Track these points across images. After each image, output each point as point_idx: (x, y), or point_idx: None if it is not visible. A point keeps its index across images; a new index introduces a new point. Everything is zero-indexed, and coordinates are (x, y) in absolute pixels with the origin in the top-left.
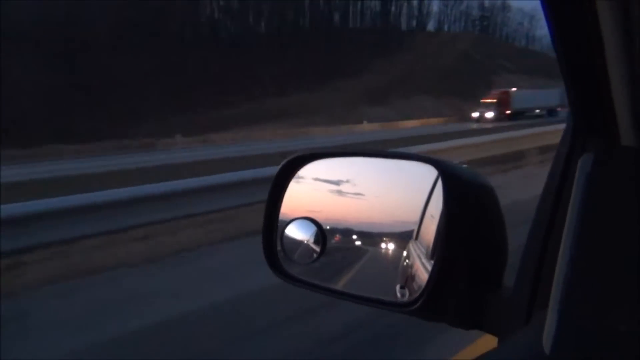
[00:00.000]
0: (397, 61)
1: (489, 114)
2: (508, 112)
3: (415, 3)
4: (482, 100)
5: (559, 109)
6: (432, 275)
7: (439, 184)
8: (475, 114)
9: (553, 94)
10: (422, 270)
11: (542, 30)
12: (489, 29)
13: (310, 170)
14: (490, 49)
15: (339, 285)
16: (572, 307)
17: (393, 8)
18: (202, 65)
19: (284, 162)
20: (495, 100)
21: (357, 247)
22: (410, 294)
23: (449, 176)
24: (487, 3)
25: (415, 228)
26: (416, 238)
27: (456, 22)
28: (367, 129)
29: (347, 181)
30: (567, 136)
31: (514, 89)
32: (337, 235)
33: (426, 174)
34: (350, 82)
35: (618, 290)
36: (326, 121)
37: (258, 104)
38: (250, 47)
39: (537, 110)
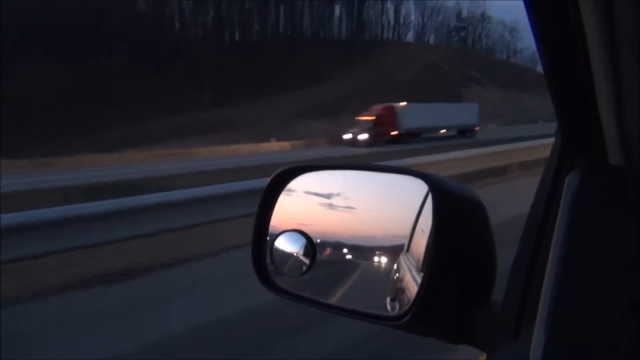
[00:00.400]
0: (358, 73)
1: (363, 136)
2: (394, 132)
3: (391, 13)
4: (357, 118)
5: (476, 128)
6: (421, 288)
7: (429, 198)
8: (347, 135)
9: (467, 110)
10: (413, 283)
11: (523, 42)
12: (467, 40)
13: (301, 183)
14: (465, 61)
15: (329, 298)
16: (559, 323)
17: (367, 19)
18: (125, 79)
19: (274, 174)
20: (373, 119)
21: (348, 259)
22: (400, 307)
23: (438, 190)
24: (465, 13)
25: (406, 241)
26: (407, 251)
27: (434, 34)
28: (275, 148)
29: (338, 194)
30: (555, 154)
31: (403, 103)
32: (328, 249)
33: (417, 188)
34: (297, 95)
35: (604, 307)
36: (248, 137)
37: (186, 118)
38: (191, 58)
39: (443, 131)
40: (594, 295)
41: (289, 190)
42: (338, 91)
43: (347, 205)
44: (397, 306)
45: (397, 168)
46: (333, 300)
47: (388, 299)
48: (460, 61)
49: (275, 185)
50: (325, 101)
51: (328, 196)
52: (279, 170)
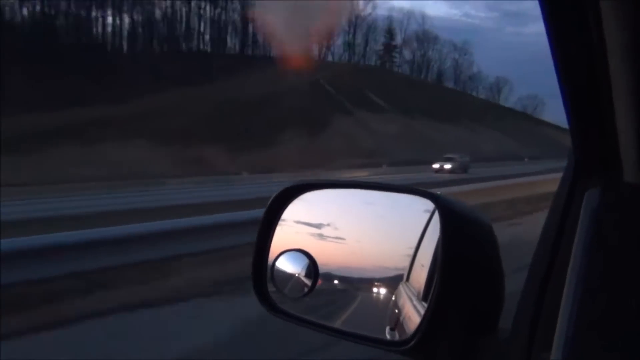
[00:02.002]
0: (194, 92)
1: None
2: None
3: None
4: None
5: None
6: (427, 314)
7: (434, 220)
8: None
9: None
10: (413, 312)
11: (476, 66)
12: (394, 62)
13: (303, 202)
14: (372, 83)
15: (330, 321)
16: (581, 348)
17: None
18: None
19: (276, 192)
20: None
21: (347, 286)
22: (400, 337)
23: (447, 212)
24: (403, 33)
25: (406, 269)
26: (407, 280)
27: (359, 53)
28: None
29: (340, 213)
30: (569, 173)
31: None
32: (328, 272)
33: (420, 209)
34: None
35: (629, 331)
36: None
37: None
38: None
39: None
40: (618, 318)
41: (291, 208)
42: (139, 109)
43: (349, 226)
44: (397, 336)
45: (402, 187)
46: (334, 323)
47: (387, 329)
48: (367, 83)
49: (277, 204)
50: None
51: (330, 215)
52: (281, 189)
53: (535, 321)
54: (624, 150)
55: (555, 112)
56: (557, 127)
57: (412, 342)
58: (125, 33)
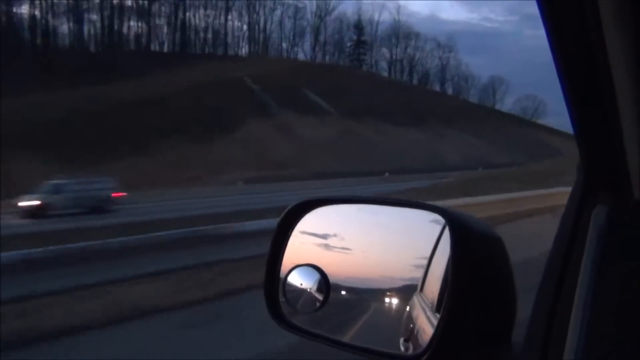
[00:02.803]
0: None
1: None
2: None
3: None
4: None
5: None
6: (439, 327)
7: (446, 233)
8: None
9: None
10: (427, 324)
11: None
12: (361, 60)
13: (315, 217)
14: (321, 82)
15: (342, 336)
16: None
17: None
18: None
19: (288, 207)
20: None
21: (360, 299)
22: (414, 348)
23: (457, 226)
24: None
25: (420, 280)
26: (421, 290)
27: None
28: None
29: (352, 229)
30: (578, 189)
31: None
32: (340, 286)
33: (432, 223)
34: None
35: (638, 346)
36: None
37: None
38: None
39: None
40: (627, 333)
41: (303, 224)
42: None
43: (360, 241)
44: (411, 347)
45: (412, 202)
46: (347, 338)
47: (401, 340)
48: (315, 81)
49: (288, 220)
50: None
51: (342, 230)
52: (293, 204)
53: (548, 335)
54: (632, 167)
55: (557, 113)
56: (551, 130)
57: (425, 356)
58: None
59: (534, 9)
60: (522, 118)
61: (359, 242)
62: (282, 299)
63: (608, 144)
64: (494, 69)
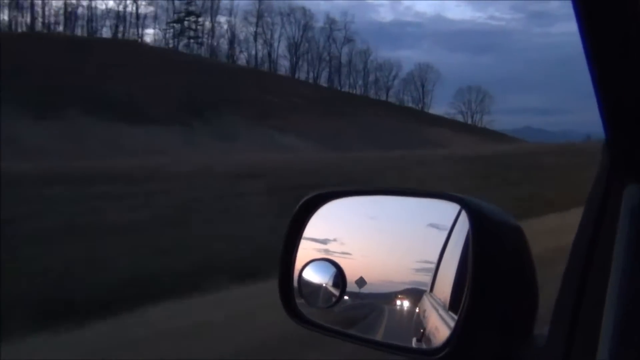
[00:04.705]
0: None
1: None
2: None
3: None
4: None
5: None
6: (459, 320)
7: (457, 227)
8: None
9: None
10: (441, 322)
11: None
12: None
13: (328, 210)
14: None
15: (357, 330)
16: (627, 354)
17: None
18: None
19: (302, 200)
20: None
21: (373, 295)
22: (427, 347)
23: (477, 215)
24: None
25: (430, 280)
26: (431, 290)
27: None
28: None
29: (366, 221)
30: (604, 171)
31: None
32: (354, 282)
33: (446, 212)
34: None
35: None
36: None
37: None
38: None
39: None
40: None
41: (317, 217)
42: None
43: (374, 233)
44: (424, 346)
45: (429, 192)
46: (363, 333)
47: (414, 340)
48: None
49: (303, 213)
50: None
51: (355, 224)
52: (306, 197)
53: (574, 326)
54: None
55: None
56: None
57: (445, 351)
58: None
59: (539, 7)
60: (413, 108)
61: (372, 236)
62: (298, 299)
63: (637, 119)
64: (502, 67)
